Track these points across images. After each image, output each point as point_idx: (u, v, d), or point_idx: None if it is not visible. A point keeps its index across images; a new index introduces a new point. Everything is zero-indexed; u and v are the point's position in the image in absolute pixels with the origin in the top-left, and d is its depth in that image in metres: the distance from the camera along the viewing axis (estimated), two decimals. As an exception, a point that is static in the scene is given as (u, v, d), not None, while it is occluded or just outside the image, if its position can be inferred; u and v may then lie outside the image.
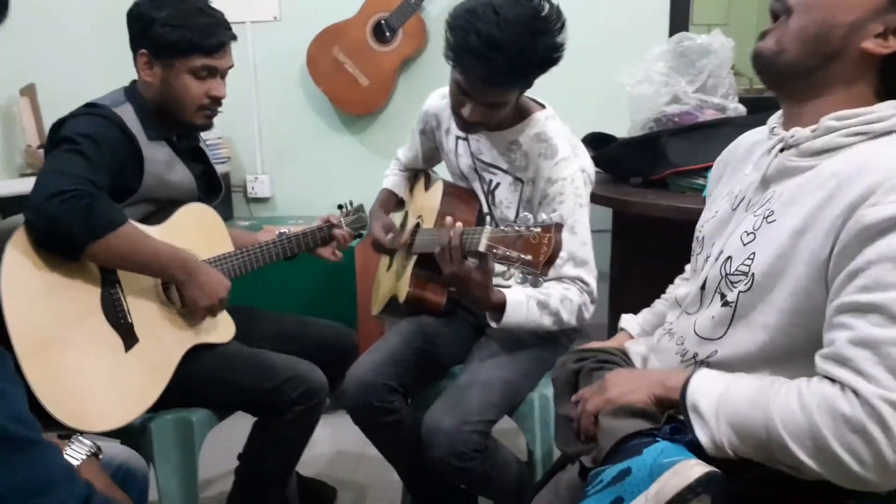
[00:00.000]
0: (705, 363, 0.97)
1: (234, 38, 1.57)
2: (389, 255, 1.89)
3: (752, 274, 0.90)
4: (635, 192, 1.96)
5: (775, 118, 1.03)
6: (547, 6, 1.38)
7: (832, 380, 0.80)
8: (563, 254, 1.44)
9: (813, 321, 0.86)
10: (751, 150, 1.07)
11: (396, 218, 1.94)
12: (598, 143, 2.23)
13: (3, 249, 1.30)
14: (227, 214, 2.86)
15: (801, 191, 0.90)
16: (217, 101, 1.57)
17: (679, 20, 2.64)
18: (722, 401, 0.85)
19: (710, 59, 1.94)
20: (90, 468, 1.06)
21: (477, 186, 1.66)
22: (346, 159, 2.95)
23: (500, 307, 1.43)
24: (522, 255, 1.19)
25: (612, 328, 2.36)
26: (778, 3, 0.94)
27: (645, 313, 1.33)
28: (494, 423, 1.46)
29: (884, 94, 0.91)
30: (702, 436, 0.85)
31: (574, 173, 1.51)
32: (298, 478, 1.95)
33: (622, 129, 2.25)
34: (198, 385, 1.54)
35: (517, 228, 1.22)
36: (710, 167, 1.86)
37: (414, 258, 1.67)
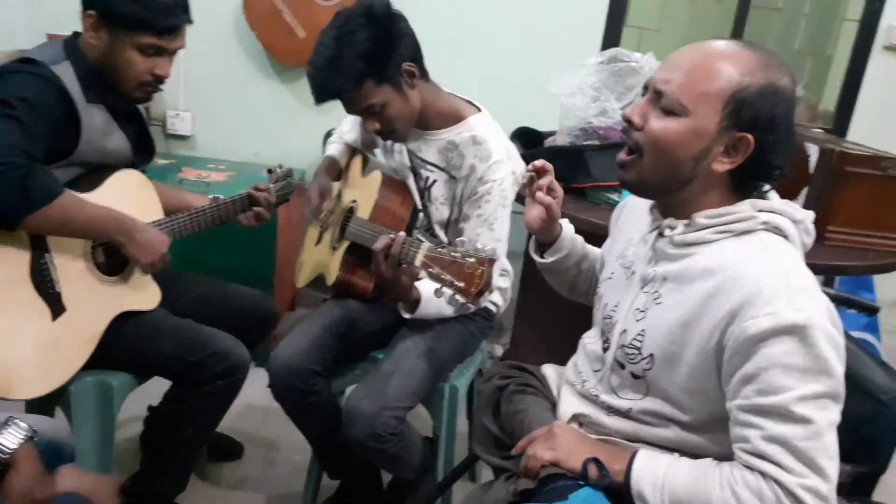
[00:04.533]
0: (625, 413, 1.11)
1: (191, 21, 1.53)
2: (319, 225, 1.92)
3: (651, 355, 1.05)
4: (556, 198, 2.08)
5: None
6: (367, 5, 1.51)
7: (752, 469, 0.93)
8: (478, 245, 1.55)
9: (710, 401, 1.01)
10: (644, 215, 1.17)
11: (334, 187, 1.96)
12: (526, 139, 2.33)
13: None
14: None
15: (680, 281, 1.04)
16: (160, 80, 1.54)
17: (614, 21, 2.75)
18: (665, 488, 0.97)
19: (638, 79, 2.06)
20: (26, 454, 1.09)
21: (411, 183, 1.73)
22: (274, 108, 2.91)
23: (415, 302, 1.53)
24: (456, 282, 1.25)
25: (522, 306, 2.52)
26: (630, 140, 1.04)
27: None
28: (411, 409, 1.58)
29: (738, 191, 1.05)
30: None
31: (505, 176, 1.61)
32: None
33: (552, 122, 2.34)
34: (121, 351, 1.57)
35: (453, 254, 1.28)
36: (627, 184, 2.04)
37: (346, 243, 1.73)
